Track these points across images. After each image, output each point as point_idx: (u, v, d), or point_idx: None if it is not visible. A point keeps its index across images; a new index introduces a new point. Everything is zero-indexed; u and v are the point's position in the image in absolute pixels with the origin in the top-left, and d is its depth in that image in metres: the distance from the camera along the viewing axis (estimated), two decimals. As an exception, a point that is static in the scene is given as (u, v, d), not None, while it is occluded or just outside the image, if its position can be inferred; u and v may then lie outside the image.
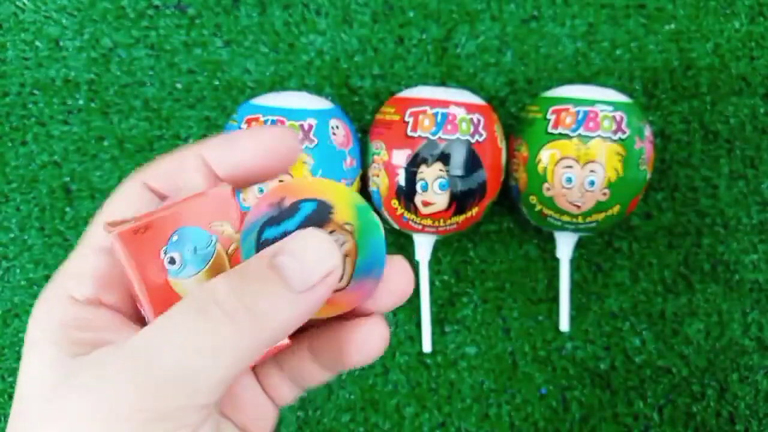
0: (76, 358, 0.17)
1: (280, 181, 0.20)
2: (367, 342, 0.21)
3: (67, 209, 0.44)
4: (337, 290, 0.19)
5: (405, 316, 0.45)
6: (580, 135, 0.37)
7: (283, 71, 0.44)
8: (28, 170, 0.44)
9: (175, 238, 0.19)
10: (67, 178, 0.44)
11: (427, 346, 0.44)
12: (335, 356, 0.21)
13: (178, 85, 0.44)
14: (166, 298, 0.19)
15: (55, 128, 0.43)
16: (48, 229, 0.44)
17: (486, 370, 0.45)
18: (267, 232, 0.19)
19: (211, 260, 0.20)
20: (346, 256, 0.19)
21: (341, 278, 0.19)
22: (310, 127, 0.37)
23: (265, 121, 0.37)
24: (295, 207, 0.19)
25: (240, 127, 0.37)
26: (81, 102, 0.43)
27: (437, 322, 0.45)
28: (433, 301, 0.44)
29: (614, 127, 0.37)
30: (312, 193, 0.19)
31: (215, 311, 0.17)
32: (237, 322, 0.16)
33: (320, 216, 0.19)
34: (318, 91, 0.44)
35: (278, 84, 0.44)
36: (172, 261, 0.19)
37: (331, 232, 0.19)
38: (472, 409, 0.44)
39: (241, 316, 0.17)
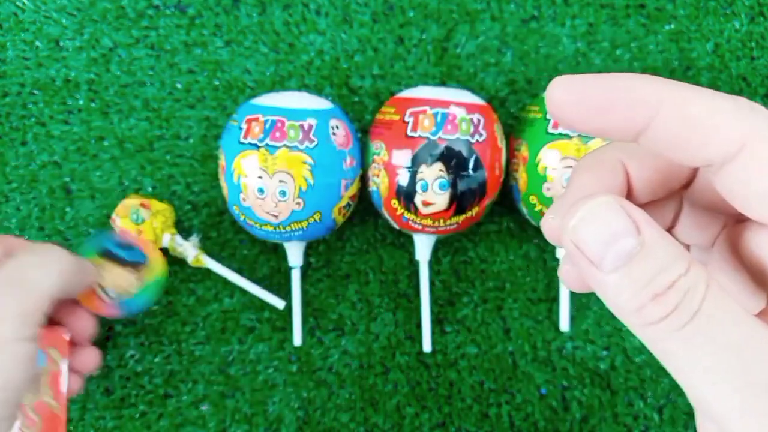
0: None
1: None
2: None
3: (67, 209, 0.44)
4: (102, 300, 0.34)
5: (405, 316, 0.45)
6: (580, 135, 0.37)
7: (283, 71, 0.44)
8: (28, 170, 0.44)
9: None
10: (67, 178, 0.44)
11: (427, 346, 0.44)
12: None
13: (178, 85, 0.44)
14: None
15: (55, 128, 0.43)
16: (48, 229, 0.44)
17: (486, 370, 0.45)
18: (108, 243, 0.35)
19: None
20: (128, 289, 0.35)
21: (106, 295, 0.34)
22: (310, 127, 0.37)
23: (265, 122, 0.37)
24: (132, 247, 0.35)
25: (240, 128, 0.37)
26: (81, 102, 0.43)
27: (437, 322, 0.45)
28: (433, 301, 0.44)
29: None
30: (148, 250, 0.35)
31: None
32: (9, 290, 0.28)
33: (136, 261, 0.35)
34: (318, 91, 0.44)
35: (278, 84, 0.44)
36: None
37: (133, 272, 0.35)
38: (472, 409, 0.44)
39: (13, 285, 0.28)
